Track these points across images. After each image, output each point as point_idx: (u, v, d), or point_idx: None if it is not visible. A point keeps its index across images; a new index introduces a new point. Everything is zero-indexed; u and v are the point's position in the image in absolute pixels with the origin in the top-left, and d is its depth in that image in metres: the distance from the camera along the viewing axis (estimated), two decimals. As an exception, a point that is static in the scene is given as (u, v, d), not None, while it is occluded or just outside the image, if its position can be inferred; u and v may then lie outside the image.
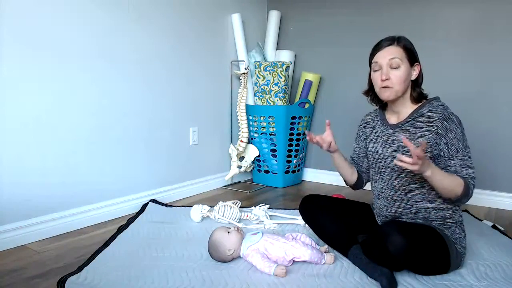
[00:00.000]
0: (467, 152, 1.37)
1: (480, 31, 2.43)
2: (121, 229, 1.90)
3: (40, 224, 1.80)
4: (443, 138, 1.36)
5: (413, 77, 1.44)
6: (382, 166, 1.51)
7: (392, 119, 1.52)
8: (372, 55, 1.45)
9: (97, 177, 2.04)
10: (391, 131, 1.49)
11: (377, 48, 1.44)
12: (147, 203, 2.27)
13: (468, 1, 2.46)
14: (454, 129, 1.36)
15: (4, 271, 1.47)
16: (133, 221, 2.00)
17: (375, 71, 1.44)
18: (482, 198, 2.48)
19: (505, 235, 1.87)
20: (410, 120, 1.44)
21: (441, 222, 1.43)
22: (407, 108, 1.46)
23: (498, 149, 2.43)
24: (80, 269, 1.45)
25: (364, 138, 1.65)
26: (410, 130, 1.43)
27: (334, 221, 1.59)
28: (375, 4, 2.77)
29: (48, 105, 1.81)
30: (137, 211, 2.20)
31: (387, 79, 1.39)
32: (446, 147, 1.36)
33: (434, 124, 1.37)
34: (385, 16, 2.73)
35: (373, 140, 1.56)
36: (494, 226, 2.00)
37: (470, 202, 2.46)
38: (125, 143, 2.18)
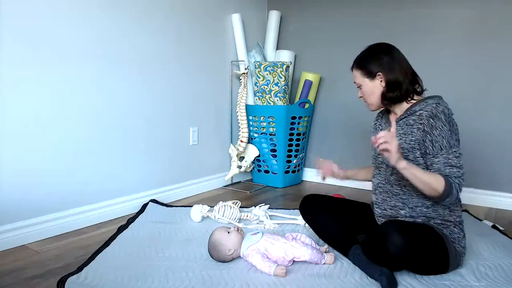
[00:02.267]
0: (454, 151, 1.35)
1: (480, 31, 2.43)
2: (121, 229, 1.90)
3: (40, 224, 1.80)
4: (428, 136, 1.36)
5: (381, 86, 1.46)
6: (380, 161, 1.54)
7: (392, 117, 1.55)
8: None
9: (97, 177, 2.04)
10: (390, 128, 1.51)
11: None
12: (147, 203, 2.27)
13: (468, 1, 2.46)
14: (440, 127, 1.35)
15: (4, 271, 1.47)
16: (133, 221, 2.00)
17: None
18: (482, 198, 2.47)
19: (505, 235, 1.87)
20: (404, 118, 1.46)
21: (439, 221, 1.43)
22: (402, 107, 1.49)
23: (498, 149, 2.43)
24: (80, 269, 1.45)
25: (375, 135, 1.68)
26: (403, 127, 1.45)
27: (334, 221, 1.59)
28: (375, 4, 2.77)
29: (48, 105, 1.81)
30: (137, 211, 2.20)
31: (361, 96, 1.55)
32: (431, 144, 1.36)
33: (421, 122, 1.38)
34: (385, 16, 2.73)
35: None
36: (494, 226, 1.99)
37: (470, 202, 2.46)
38: (125, 143, 2.18)
